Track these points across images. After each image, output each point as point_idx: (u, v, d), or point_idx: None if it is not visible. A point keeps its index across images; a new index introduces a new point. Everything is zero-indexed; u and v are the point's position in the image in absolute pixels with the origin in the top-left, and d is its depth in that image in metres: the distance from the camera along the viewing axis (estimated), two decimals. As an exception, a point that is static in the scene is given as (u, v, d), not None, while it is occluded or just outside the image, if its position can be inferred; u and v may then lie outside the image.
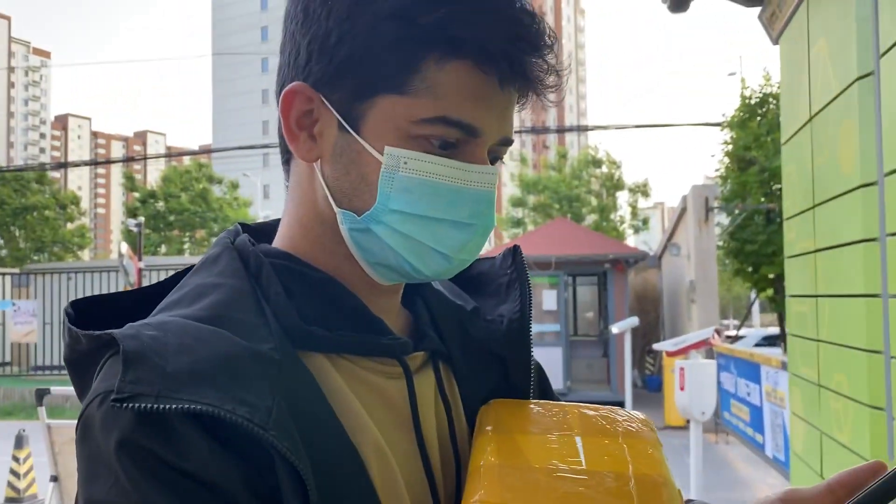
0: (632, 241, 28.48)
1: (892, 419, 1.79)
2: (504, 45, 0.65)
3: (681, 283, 13.84)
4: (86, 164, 20.08)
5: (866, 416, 1.92)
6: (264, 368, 0.62)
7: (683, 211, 13.32)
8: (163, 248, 27.93)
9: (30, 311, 15.05)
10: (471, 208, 0.68)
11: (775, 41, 2.87)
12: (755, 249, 11.88)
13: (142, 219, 15.23)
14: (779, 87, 13.10)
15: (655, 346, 7.68)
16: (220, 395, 0.58)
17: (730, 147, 13.02)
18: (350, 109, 0.67)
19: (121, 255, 13.40)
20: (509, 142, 0.72)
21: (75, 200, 28.68)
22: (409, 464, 0.70)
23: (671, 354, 6.77)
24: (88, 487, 0.59)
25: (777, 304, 12.68)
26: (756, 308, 21.23)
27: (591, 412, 0.76)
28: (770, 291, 12.84)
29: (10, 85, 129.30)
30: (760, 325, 27.18)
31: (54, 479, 4.24)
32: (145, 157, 21.67)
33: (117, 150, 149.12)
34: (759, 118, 12.68)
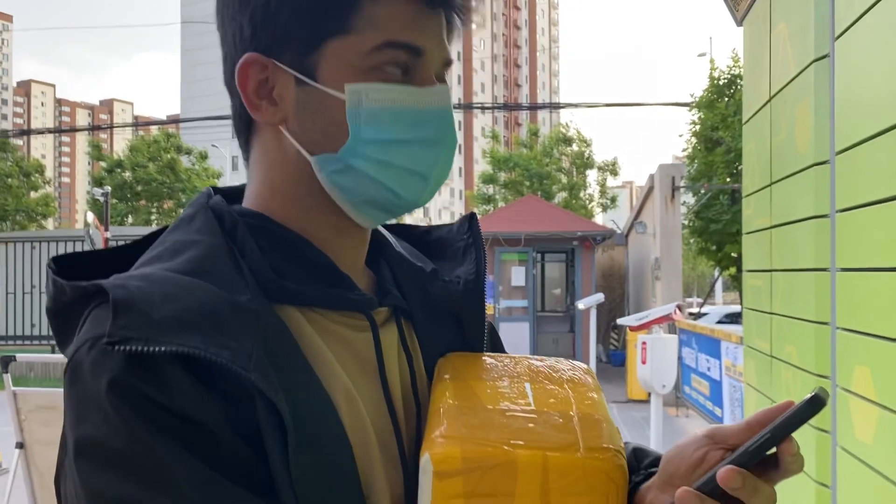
0: (600, 218, 28.73)
1: (835, 386, 1.88)
2: None
3: (646, 261, 14.05)
4: (50, 131, 19.69)
5: (812, 384, 2.01)
6: (243, 317, 0.66)
7: (650, 190, 13.49)
8: (130, 219, 27.53)
9: (-8, 279, 14.80)
10: (434, 126, 0.75)
11: (739, 23, 2.94)
12: (719, 228, 12.12)
13: (108, 188, 15.02)
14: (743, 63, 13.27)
15: (619, 321, 7.83)
16: (205, 340, 0.62)
17: (697, 127, 13.21)
18: (303, 63, 0.73)
19: (87, 225, 13.24)
20: (450, 62, 0.79)
21: (39, 169, 28.11)
22: (375, 408, 0.75)
23: (634, 329, 6.92)
24: (78, 427, 0.62)
25: (739, 283, 12.94)
26: (719, 286, 21.63)
27: (538, 363, 0.84)
28: (733, 270, 13.12)
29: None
30: (723, 302, 27.68)
31: (20, 445, 4.23)
32: (111, 126, 21.34)
33: (82, 119, 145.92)
34: (726, 99, 12.86)
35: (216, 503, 0.61)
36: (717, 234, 12.31)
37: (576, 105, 17.11)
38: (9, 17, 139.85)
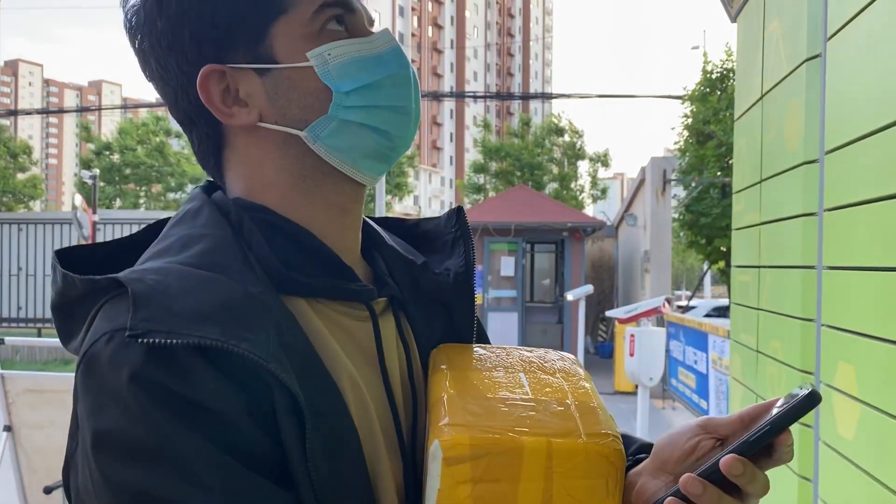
0: (590, 210, 28.79)
1: (819, 382, 1.91)
2: None
3: (636, 253, 14.11)
4: (38, 112, 19.48)
5: (797, 380, 2.04)
6: (258, 309, 0.68)
7: (641, 182, 13.53)
8: (118, 202, 27.37)
9: (-22, 261, 14.71)
10: (396, 64, 0.79)
11: (733, 19, 2.95)
12: (709, 222, 12.17)
13: (97, 171, 14.92)
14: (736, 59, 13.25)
15: (608, 314, 7.86)
16: (224, 332, 0.64)
17: (689, 120, 13.24)
18: (258, 54, 0.76)
19: (74, 208, 13.15)
20: (372, 21, 0.83)
21: (27, 150, 27.87)
22: (376, 395, 0.78)
23: (623, 321, 6.96)
24: (96, 419, 0.63)
25: (728, 277, 13.02)
26: (708, 279, 21.75)
27: (529, 353, 0.87)
28: (722, 264, 13.19)
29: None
30: (711, 296, 27.83)
31: (7, 428, 4.23)
32: (100, 108, 21.13)
33: (71, 99, 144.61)
34: (719, 93, 12.89)
35: (238, 493, 0.62)
36: (707, 227, 12.37)
37: (568, 96, 17.11)
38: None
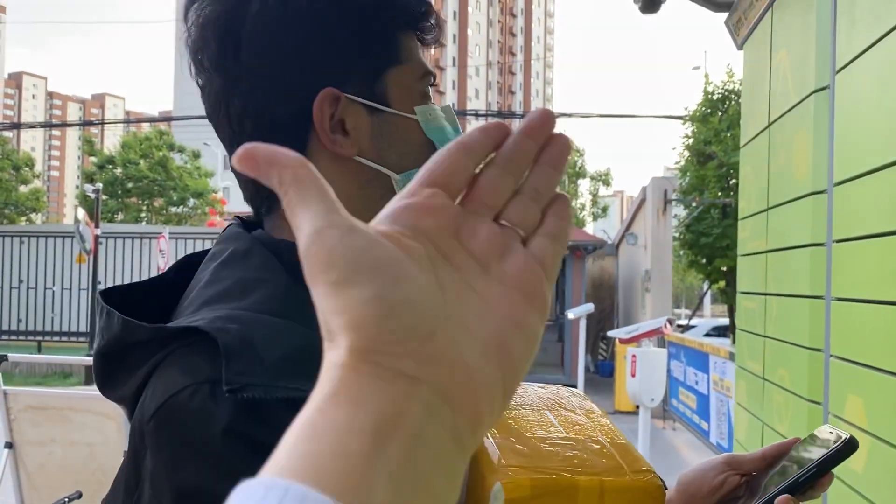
0: (591, 228, 28.81)
1: (827, 413, 1.91)
2: (428, 18, 0.81)
3: (636, 272, 14.11)
4: (42, 125, 19.56)
5: (805, 410, 2.05)
6: None
7: (642, 202, 13.55)
8: (120, 216, 27.40)
9: (-21, 274, 14.69)
10: (455, 135, 0.82)
11: (740, 46, 2.98)
12: (710, 242, 12.18)
13: (100, 185, 14.96)
14: (741, 86, 13.28)
15: (610, 334, 7.85)
16: (314, 384, 0.63)
17: (690, 141, 13.28)
18: (373, 92, 0.77)
19: (77, 221, 13.16)
20: None
21: (30, 162, 27.95)
22: None
23: (624, 342, 6.95)
24: (178, 475, 0.61)
25: (728, 296, 13.02)
26: (707, 299, 21.74)
27: (543, 390, 0.90)
28: (722, 283, 13.18)
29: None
30: (711, 315, 27.79)
31: (9, 445, 4.21)
32: (103, 122, 21.22)
33: (74, 112, 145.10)
34: (720, 114, 12.94)
35: None
36: (708, 247, 12.38)
37: (569, 115, 17.16)
38: (2, 9, 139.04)
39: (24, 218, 27.01)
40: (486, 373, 0.33)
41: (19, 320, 15.86)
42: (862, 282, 1.72)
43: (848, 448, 0.72)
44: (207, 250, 0.82)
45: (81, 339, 15.14)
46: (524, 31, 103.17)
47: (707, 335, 17.19)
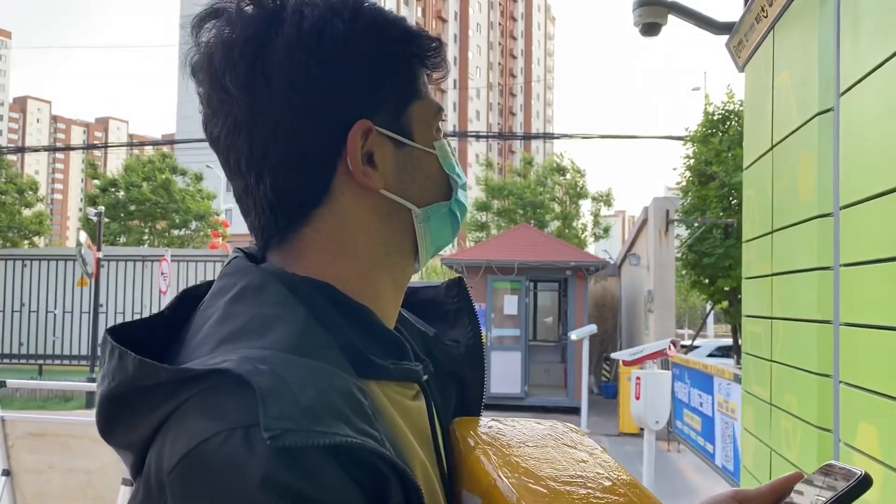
0: (592, 248, 28.79)
1: (838, 441, 1.87)
2: (441, 54, 0.82)
3: (639, 293, 14.06)
4: (46, 149, 19.65)
5: (814, 437, 2.00)
6: (364, 398, 0.65)
7: (644, 222, 13.54)
8: (122, 238, 27.42)
9: (-19, 298, 14.69)
10: (461, 172, 0.85)
11: (741, 69, 2.97)
12: (712, 262, 12.14)
13: (102, 208, 14.96)
14: (741, 106, 13.29)
15: (613, 356, 7.81)
16: (352, 427, 0.60)
17: (691, 161, 13.28)
18: (398, 126, 0.77)
19: (79, 244, 13.16)
20: None
21: (33, 186, 28.03)
22: (436, 477, 0.77)
23: (628, 364, 6.91)
24: None
25: (731, 316, 12.95)
26: (711, 319, 21.66)
27: (540, 426, 0.88)
28: (725, 303, 13.12)
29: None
30: (714, 335, 27.68)
31: (6, 473, 4.17)
32: (106, 146, 21.27)
33: (77, 136, 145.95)
34: (720, 134, 12.95)
35: None
36: (710, 267, 12.33)
37: (570, 136, 17.21)
38: (7, 34, 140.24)
39: (27, 241, 27.04)
40: None
41: (21, 344, 15.83)
42: (871, 307, 1.69)
43: (861, 486, 0.68)
44: (205, 284, 0.79)
45: (83, 362, 15.11)
46: (524, 54, 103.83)
47: (711, 355, 17.11)
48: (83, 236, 13.17)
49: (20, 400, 12.17)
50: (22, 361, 15.68)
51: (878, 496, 1.58)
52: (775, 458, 2.41)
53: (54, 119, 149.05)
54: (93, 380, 11.65)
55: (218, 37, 0.74)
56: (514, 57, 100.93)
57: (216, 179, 29.74)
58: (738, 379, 6.94)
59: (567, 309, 13.90)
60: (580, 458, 0.79)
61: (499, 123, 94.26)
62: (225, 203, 36.92)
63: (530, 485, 0.72)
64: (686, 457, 9.52)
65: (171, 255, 14.10)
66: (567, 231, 26.13)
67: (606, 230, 27.73)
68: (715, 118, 13.21)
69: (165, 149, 30.89)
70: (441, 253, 1.01)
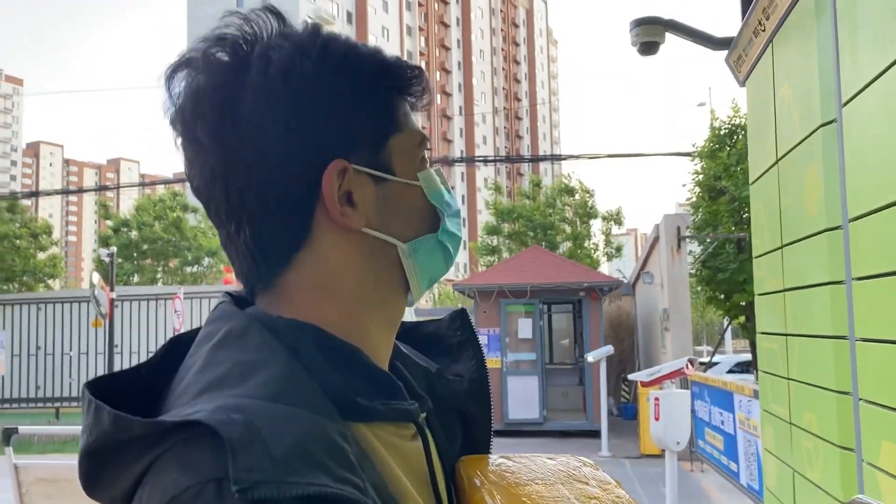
0: (606, 268, 28.68)
1: (861, 460, 1.81)
2: (420, 82, 0.81)
3: (654, 311, 13.95)
4: (58, 192, 19.84)
5: (836, 457, 1.94)
6: (343, 444, 0.63)
7: (656, 240, 13.47)
8: (135, 278, 27.57)
9: (-2, 342, 14.76)
10: (452, 199, 0.83)
11: (742, 83, 2.94)
12: (727, 277, 12.03)
13: (114, 249, 15.04)
14: (746, 119, 13.29)
15: (630, 377, 7.71)
16: (329, 475, 0.58)
17: (700, 177, 13.23)
18: (378, 162, 0.75)
19: (92, 286, 13.22)
20: None
21: (47, 230, 28.27)
22: None
23: (645, 385, 6.81)
24: None
25: (749, 331, 12.80)
26: (728, 334, 21.45)
27: (552, 461, 0.85)
28: (742, 318, 12.98)
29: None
30: (733, 350, 27.40)
31: (21, 520, 4.14)
32: (118, 186, 21.48)
33: (90, 178, 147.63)
34: (728, 148, 12.90)
35: None
36: (725, 282, 12.21)
37: (577, 156, 17.22)
38: (19, 81, 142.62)
39: (42, 284, 27.22)
40: None
41: (38, 387, 15.87)
42: (887, 321, 1.64)
43: None
44: (195, 330, 0.77)
45: (99, 403, 15.08)
46: (528, 77, 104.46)
47: (730, 371, 16.92)
48: (96, 277, 13.24)
49: (37, 444, 12.16)
50: (39, 405, 15.71)
51: (905, 519, 1.52)
52: (798, 480, 2.35)
53: (67, 162, 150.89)
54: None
55: (188, 87, 0.73)
56: (518, 81, 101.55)
57: (227, 215, 29.81)
58: (758, 395, 6.82)
59: (582, 330, 13.79)
60: (591, 495, 0.76)
61: (506, 147, 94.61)
62: (237, 238, 36.97)
63: None
64: (710, 476, 9.36)
65: (184, 293, 14.12)
66: (579, 252, 26.04)
67: (619, 249, 27.60)
68: (721, 133, 13.18)
69: (176, 187, 31.16)
70: (452, 278, 0.97)
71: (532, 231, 26.76)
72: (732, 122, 13.17)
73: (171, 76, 0.74)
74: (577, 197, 27.27)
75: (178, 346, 0.76)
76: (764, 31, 2.53)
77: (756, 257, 2.84)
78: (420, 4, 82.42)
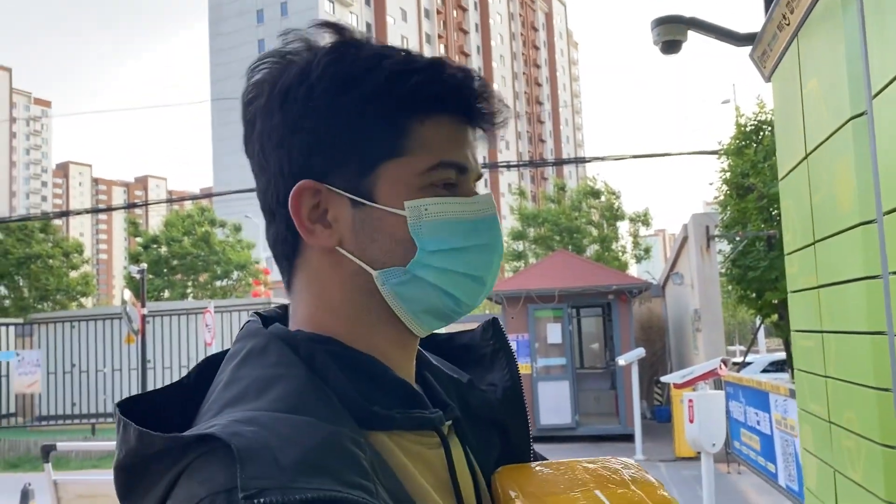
0: (634, 270, 28.45)
1: (904, 459, 1.77)
2: (466, 96, 0.77)
3: (685, 312, 13.81)
4: (88, 211, 20.17)
5: (879, 455, 1.90)
6: (357, 451, 0.65)
7: (685, 240, 13.34)
8: (166, 293, 27.89)
9: (34, 360, 15.02)
10: (487, 232, 0.78)
11: (768, 79, 2.90)
12: (757, 276, 11.88)
13: (144, 265, 15.27)
14: (773, 115, 13.11)
15: (663, 379, 7.64)
16: (338, 481, 0.60)
17: (727, 175, 13.10)
18: (359, 185, 0.75)
19: (124, 303, 13.40)
20: (481, 176, 0.83)
21: (79, 248, 28.74)
22: None
23: (679, 387, 6.74)
24: None
25: (782, 329, 12.63)
26: (761, 333, 21.18)
27: (591, 465, 0.83)
28: (775, 317, 12.81)
29: (12, 135, 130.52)
30: (766, 349, 27.03)
31: (62, 536, 4.20)
32: (146, 203, 21.80)
33: (118, 196, 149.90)
34: (755, 145, 12.77)
35: None
36: (756, 281, 12.06)
37: (602, 158, 17.12)
38: (48, 103, 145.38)
39: (75, 303, 27.63)
40: None
41: (73, 404, 16.10)
42: (926, 315, 1.61)
43: None
44: (226, 351, 0.81)
45: (134, 419, 15.24)
46: (549, 81, 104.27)
47: (765, 371, 16.68)
48: (127, 294, 13.42)
49: (75, 461, 12.33)
50: (76, 421, 15.93)
51: (953, 517, 1.48)
52: (839, 479, 2.30)
53: (95, 182, 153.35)
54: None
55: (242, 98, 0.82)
56: (539, 85, 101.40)
57: (255, 228, 30.20)
58: (794, 395, 6.71)
59: (612, 334, 13.68)
60: (633, 500, 0.75)
61: (529, 151, 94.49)
62: (265, 251, 37.39)
63: None
64: (747, 478, 9.23)
65: (215, 307, 14.26)
66: (606, 254, 25.89)
67: (647, 250, 27.40)
68: (747, 129, 13.05)
69: (204, 202, 31.52)
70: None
71: (558, 235, 26.67)
72: (758, 118, 13.03)
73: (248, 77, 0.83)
74: (602, 199, 27.12)
75: (212, 365, 0.79)
76: (788, 24, 2.50)
77: (788, 254, 2.80)
78: (438, 12, 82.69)
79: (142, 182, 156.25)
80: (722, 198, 13.28)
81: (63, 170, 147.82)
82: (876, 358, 1.91)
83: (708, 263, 12.08)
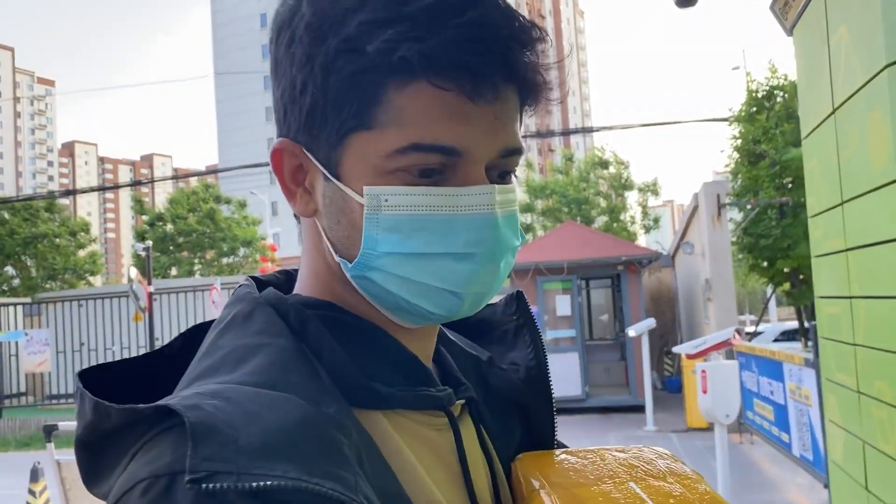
0: (643, 240, 28.28)
1: (946, 431, 1.65)
2: (459, 55, 0.58)
3: (696, 282, 13.68)
4: (94, 190, 20.12)
5: (916, 428, 1.78)
6: (337, 435, 0.55)
7: (695, 209, 13.17)
8: (173, 271, 27.91)
9: (42, 340, 15.02)
10: (467, 236, 0.61)
11: (789, 32, 2.74)
12: (769, 244, 11.73)
13: (149, 243, 15.17)
14: (786, 80, 12.83)
15: (675, 349, 7.53)
16: (306, 468, 0.50)
17: (738, 142, 12.89)
18: (329, 156, 0.63)
19: (130, 280, 13.37)
20: (515, 151, 0.67)
21: (86, 227, 28.72)
22: None
23: (692, 357, 6.63)
24: None
25: (794, 298, 12.49)
26: (773, 302, 21.03)
27: (623, 454, 0.75)
28: (787, 285, 12.67)
29: (17, 115, 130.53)
30: (778, 318, 26.89)
31: (66, 516, 4.14)
32: (152, 181, 21.70)
33: (124, 174, 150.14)
34: (766, 111, 12.54)
35: None
36: (768, 249, 11.90)
37: (610, 128, 16.89)
38: (51, 82, 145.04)
39: (83, 281, 27.69)
40: None
41: (83, 382, 16.12)
42: (975, 277, 1.48)
43: None
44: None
45: (144, 396, 15.32)
46: (555, 50, 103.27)
47: (776, 340, 16.57)
48: (133, 272, 13.37)
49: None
50: (86, 400, 15.97)
51: None
52: (869, 452, 2.18)
53: (101, 160, 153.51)
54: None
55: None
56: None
57: (260, 205, 30.18)
58: (808, 364, 6.60)
59: (622, 305, 13.59)
60: (671, 493, 0.65)
61: (535, 122, 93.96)
62: (272, 227, 37.37)
63: None
64: (760, 448, 9.15)
65: (221, 283, 14.19)
66: (615, 225, 25.72)
67: (656, 220, 27.22)
68: (759, 95, 12.80)
69: (210, 179, 31.42)
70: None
71: (566, 206, 26.50)
72: (770, 83, 12.77)
73: None
74: (611, 169, 26.90)
75: (202, 332, 0.71)
76: (814, -30, 2.34)
77: (812, 216, 2.66)
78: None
79: (147, 160, 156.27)
80: (733, 165, 13.08)
81: (69, 149, 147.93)
82: (913, 324, 1.78)
83: (719, 232, 11.91)
